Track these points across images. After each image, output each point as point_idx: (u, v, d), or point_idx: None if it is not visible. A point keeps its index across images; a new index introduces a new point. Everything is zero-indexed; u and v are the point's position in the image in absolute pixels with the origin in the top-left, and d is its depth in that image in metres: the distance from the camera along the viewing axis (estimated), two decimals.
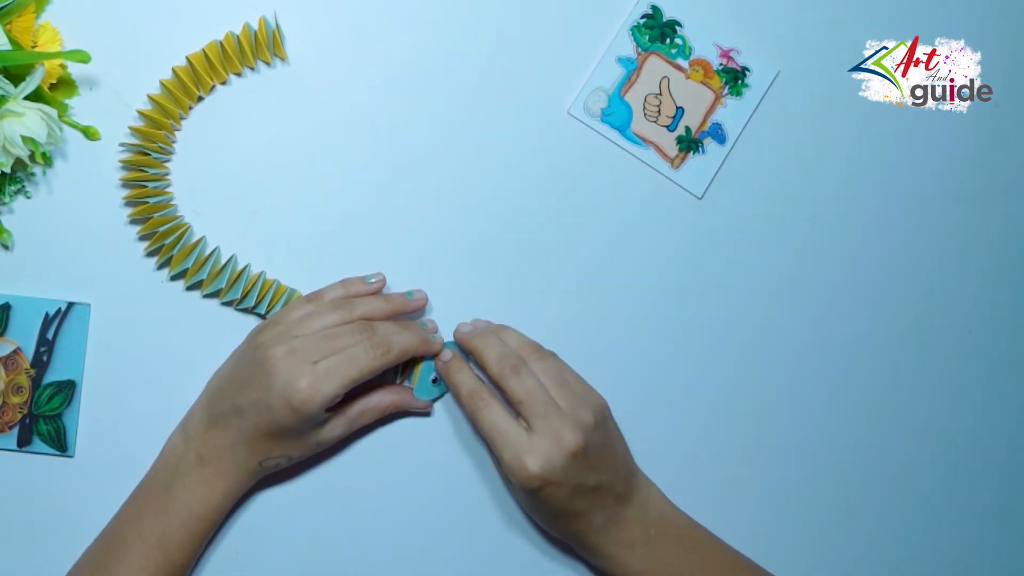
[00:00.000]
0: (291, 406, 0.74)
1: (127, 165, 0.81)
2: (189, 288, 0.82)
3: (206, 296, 0.82)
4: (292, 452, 0.78)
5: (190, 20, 0.83)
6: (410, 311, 0.82)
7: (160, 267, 0.82)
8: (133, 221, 0.82)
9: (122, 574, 0.75)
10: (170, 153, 0.83)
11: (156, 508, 0.76)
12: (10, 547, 0.78)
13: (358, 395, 0.80)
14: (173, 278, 0.82)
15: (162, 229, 0.81)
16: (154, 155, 0.81)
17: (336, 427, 0.79)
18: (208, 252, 0.82)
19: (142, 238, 0.82)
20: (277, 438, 0.77)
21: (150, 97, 0.81)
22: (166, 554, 0.75)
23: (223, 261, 0.82)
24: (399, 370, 0.83)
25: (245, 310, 0.82)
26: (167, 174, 0.83)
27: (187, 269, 0.81)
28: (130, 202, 0.82)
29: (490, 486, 0.84)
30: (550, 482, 0.74)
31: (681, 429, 0.85)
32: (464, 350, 0.81)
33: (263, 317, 0.82)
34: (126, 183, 0.81)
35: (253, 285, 0.81)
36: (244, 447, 0.77)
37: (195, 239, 0.82)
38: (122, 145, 0.81)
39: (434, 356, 0.82)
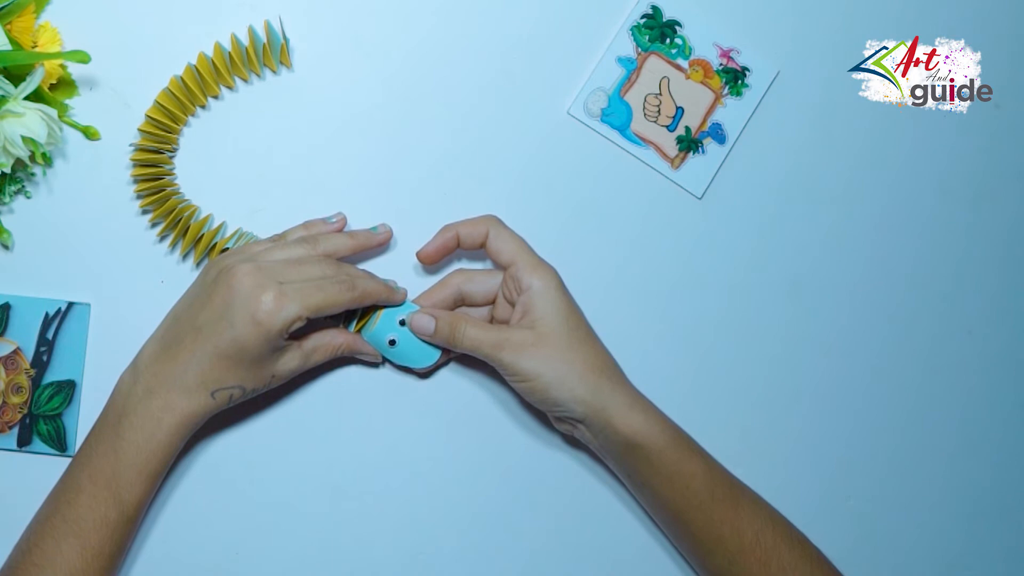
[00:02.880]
0: (255, 320, 0.73)
1: (138, 162, 0.81)
2: (199, 264, 0.82)
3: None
4: (246, 382, 0.76)
5: (190, 20, 0.83)
6: (375, 246, 0.82)
7: (174, 247, 0.82)
8: (145, 211, 0.82)
9: (73, 516, 0.74)
10: (175, 150, 0.83)
11: (104, 448, 0.75)
12: (10, 547, 0.78)
13: (313, 331, 0.79)
14: (186, 256, 0.83)
15: (180, 207, 0.81)
16: (166, 154, 0.82)
17: (292, 359, 0.78)
18: (216, 225, 0.83)
19: (154, 224, 0.82)
20: (233, 362, 0.75)
21: (157, 101, 0.81)
22: (116, 495, 0.74)
23: (227, 230, 0.83)
24: (349, 318, 0.81)
25: None
26: (174, 169, 0.83)
27: (201, 237, 0.81)
28: (139, 195, 0.82)
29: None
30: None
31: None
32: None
33: None
34: (136, 178, 0.81)
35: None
36: (196, 373, 0.75)
37: (203, 217, 0.83)
38: (132, 146, 0.82)
39: (397, 306, 0.81)
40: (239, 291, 0.74)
